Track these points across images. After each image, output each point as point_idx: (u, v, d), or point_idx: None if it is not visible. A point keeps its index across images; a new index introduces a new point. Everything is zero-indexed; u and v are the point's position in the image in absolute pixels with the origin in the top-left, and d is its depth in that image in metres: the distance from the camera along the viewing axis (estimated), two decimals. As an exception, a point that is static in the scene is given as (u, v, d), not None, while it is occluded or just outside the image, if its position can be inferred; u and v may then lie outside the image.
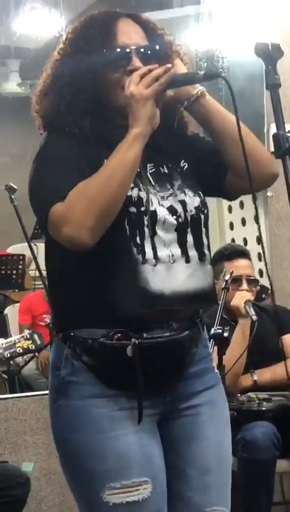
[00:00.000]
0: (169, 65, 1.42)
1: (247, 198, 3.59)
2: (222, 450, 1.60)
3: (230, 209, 3.53)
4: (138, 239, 1.46)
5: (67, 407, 1.51)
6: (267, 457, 2.52)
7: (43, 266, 2.41)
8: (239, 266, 2.80)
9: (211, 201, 1.76)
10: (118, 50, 1.47)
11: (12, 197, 2.83)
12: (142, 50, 1.48)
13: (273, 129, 1.33)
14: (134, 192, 1.47)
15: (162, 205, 1.50)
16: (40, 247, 2.80)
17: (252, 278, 2.83)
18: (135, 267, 1.46)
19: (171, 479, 1.56)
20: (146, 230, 1.47)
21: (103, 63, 1.47)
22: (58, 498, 3.04)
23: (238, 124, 1.39)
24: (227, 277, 2.68)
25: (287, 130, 1.31)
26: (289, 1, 3.32)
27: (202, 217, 1.55)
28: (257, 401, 2.62)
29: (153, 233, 1.48)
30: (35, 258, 3.02)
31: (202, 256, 1.54)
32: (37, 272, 3.08)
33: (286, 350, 2.73)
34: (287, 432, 2.56)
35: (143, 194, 1.48)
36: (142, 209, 1.46)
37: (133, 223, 1.46)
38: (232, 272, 2.70)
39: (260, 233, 2.56)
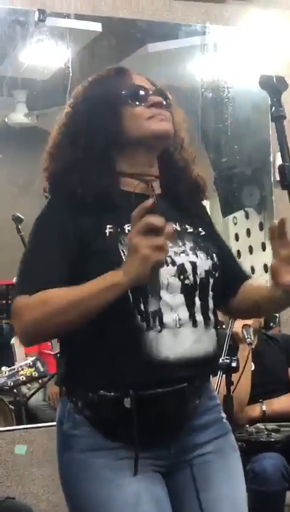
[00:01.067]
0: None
1: (254, 226, 3.49)
2: (236, 499, 1.56)
3: (237, 237, 3.53)
4: (141, 306, 1.44)
5: (72, 460, 1.51)
6: (276, 489, 2.46)
7: None
8: None
9: (218, 228, 1.77)
10: (137, 86, 1.49)
11: (19, 227, 2.80)
12: (159, 91, 1.50)
13: (278, 158, 1.39)
14: None
15: (172, 263, 1.48)
16: None
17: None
18: (138, 335, 1.44)
19: None
20: (149, 295, 1.45)
21: (123, 98, 1.49)
22: None
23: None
24: None
25: None
26: None
27: (211, 280, 1.53)
28: (266, 432, 2.57)
29: (159, 299, 1.46)
30: None
31: (207, 321, 1.51)
32: None
33: None
34: None
35: None
36: None
37: (136, 290, 1.43)
38: None
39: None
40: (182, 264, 1.47)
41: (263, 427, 2.58)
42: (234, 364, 2.38)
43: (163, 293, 1.45)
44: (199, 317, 1.48)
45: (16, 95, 3.20)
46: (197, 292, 1.49)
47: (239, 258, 3.37)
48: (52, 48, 3.05)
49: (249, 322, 2.70)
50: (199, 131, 3.19)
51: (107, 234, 1.46)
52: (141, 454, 1.46)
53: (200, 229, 1.56)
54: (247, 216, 3.51)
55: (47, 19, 2.93)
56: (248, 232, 3.46)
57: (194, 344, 1.47)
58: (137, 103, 1.48)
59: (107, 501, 1.47)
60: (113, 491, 1.47)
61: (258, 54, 3.28)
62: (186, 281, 1.47)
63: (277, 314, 3.23)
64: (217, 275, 1.52)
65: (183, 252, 1.50)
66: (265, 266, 3.08)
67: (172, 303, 1.45)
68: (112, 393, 1.45)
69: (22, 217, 2.82)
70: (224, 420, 1.60)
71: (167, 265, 1.45)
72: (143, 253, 1.31)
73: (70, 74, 3.03)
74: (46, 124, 3.06)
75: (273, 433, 2.57)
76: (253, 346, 2.76)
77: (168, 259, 1.45)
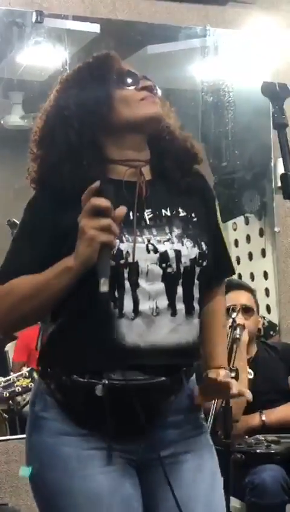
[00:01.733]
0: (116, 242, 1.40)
1: (254, 232, 3.46)
2: (211, 502, 1.55)
3: (237, 243, 3.52)
4: (116, 293, 1.44)
5: (39, 443, 1.50)
6: (276, 502, 2.43)
7: None
8: (234, 297, 2.77)
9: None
10: (127, 70, 1.48)
11: (14, 231, 2.77)
12: (145, 77, 1.49)
13: (280, 163, 1.44)
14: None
15: (153, 250, 1.47)
16: None
17: (247, 306, 2.80)
18: (110, 322, 1.44)
19: None
20: (126, 283, 1.44)
21: (113, 81, 1.47)
22: None
23: None
24: (233, 315, 2.66)
25: None
26: None
27: (197, 269, 1.51)
28: (266, 444, 2.54)
29: (136, 286, 1.45)
30: None
31: (190, 310, 1.50)
32: None
33: None
34: None
35: (124, 246, 1.44)
36: (122, 261, 1.44)
37: (111, 277, 1.39)
38: (231, 307, 2.68)
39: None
40: (165, 252, 1.46)
41: (263, 438, 2.56)
42: (232, 374, 2.27)
43: (141, 281, 1.44)
44: (180, 306, 1.47)
45: (12, 96, 3.19)
46: (181, 281, 1.47)
47: (238, 264, 3.48)
48: (50, 49, 3.04)
49: (241, 322, 2.70)
50: (199, 135, 3.16)
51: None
52: (112, 445, 1.46)
53: (193, 214, 1.54)
54: (247, 222, 3.51)
55: (44, 20, 2.93)
56: (248, 238, 3.46)
57: (171, 333, 1.46)
58: (128, 86, 1.47)
59: (71, 491, 1.46)
60: (79, 482, 1.45)
61: (260, 58, 3.28)
62: (169, 269, 1.46)
63: (277, 323, 3.30)
64: (204, 263, 1.50)
65: (168, 240, 1.49)
66: (265, 273, 3.10)
67: (150, 291, 1.45)
68: (85, 380, 1.44)
69: (18, 222, 2.81)
70: (201, 419, 1.60)
71: (149, 253, 1.44)
72: (89, 234, 1.32)
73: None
74: (42, 126, 3.18)
75: (273, 445, 2.54)
76: (251, 355, 2.74)
77: (150, 247, 1.45)
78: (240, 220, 3.50)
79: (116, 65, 1.51)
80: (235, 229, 3.54)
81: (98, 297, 1.35)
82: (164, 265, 1.45)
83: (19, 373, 2.44)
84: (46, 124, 1.50)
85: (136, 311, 1.43)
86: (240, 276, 3.35)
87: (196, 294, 1.50)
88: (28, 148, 1.56)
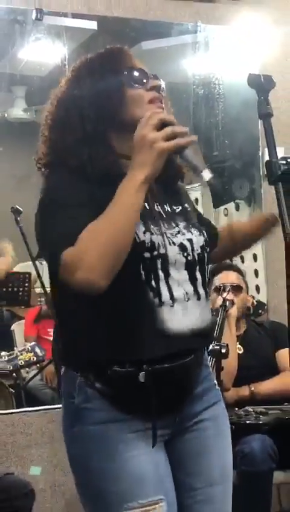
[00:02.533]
0: (193, 137, 1.40)
1: (244, 217, 3.48)
2: (225, 463, 1.63)
3: None
4: (153, 282, 1.46)
5: (83, 433, 1.52)
6: (264, 469, 2.54)
7: (47, 284, 2.64)
8: (224, 277, 2.85)
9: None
10: (139, 69, 1.49)
11: (18, 219, 2.85)
12: (155, 76, 1.51)
13: (267, 152, 1.37)
14: (147, 237, 1.47)
15: (173, 243, 1.50)
16: (45, 266, 2.64)
17: (235, 284, 2.87)
18: (151, 310, 1.46)
19: (179, 492, 1.58)
20: (160, 273, 1.47)
21: (125, 79, 1.49)
22: (62, 510, 3.04)
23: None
24: (224, 295, 2.74)
25: (279, 157, 1.34)
26: (282, 32, 3.39)
27: (206, 255, 1.57)
28: (254, 415, 2.64)
29: (167, 275, 1.48)
30: (40, 276, 3.00)
31: (206, 294, 1.56)
32: (42, 289, 3.10)
33: (280, 364, 2.79)
34: (283, 444, 2.60)
35: (155, 238, 1.48)
36: (155, 253, 1.46)
37: (148, 268, 1.46)
38: (222, 287, 2.77)
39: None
40: (181, 243, 1.50)
41: (252, 409, 2.66)
42: (223, 350, 2.46)
43: (171, 270, 1.47)
44: (201, 291, 1.52)
45: (15, 90, 3.20)
46: (197, 267, 1.52)
47: None
48: (50, 45, 3.07)
49: (231, 298, 2.79)
50: (191, 126, 3.16)
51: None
52: (150, 426, 1.48)
53: (186, 205, 1.59)
54: (237, 208, 3.50)
55: (44, 17, 2.94)
56: None
57: (199, 316, 1.51)
58: (138, 85, 1.48)
59: (120, 471, 1.49)
60: (123, 464, 1.49)
61: (248, 52, 3.30)
62: (189, 257, 1.50)
63: (265, 302, 3.33)
64: (209, 249, 1.56)
65: (178, 232, 1.53)
66: (254, 255, 3.15)
67: (179, 278, 1.48)
68: (127, 369, 1.45)
69: (21, 209, 2.85)
70: (217, 387, 1.64)
71: (170, 244, 1.47)
72: (161, 146, 1.35)
73: (67, 71, 3.15)
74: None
75: (261, 416, 2.64)
76: (241, 332, 2.86)
77: (168, 241, 1.48)
78: (231, 206, 3.50)
79: (128, 61, 1.52)
80: (226, 215, 3.50)
81: (137, 289, 1.43)
82: (185, 254, 1.49)
83: (22, 348, 2.48)
84: (58, 109, 1.51)
85: (172, 298, 1.46)
86: (231, 259, 3.17)
87: (207, 278, 1.56)
88: (33, 143, 1.57)
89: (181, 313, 1.48)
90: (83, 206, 1.43)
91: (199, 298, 1.52)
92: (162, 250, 1.46)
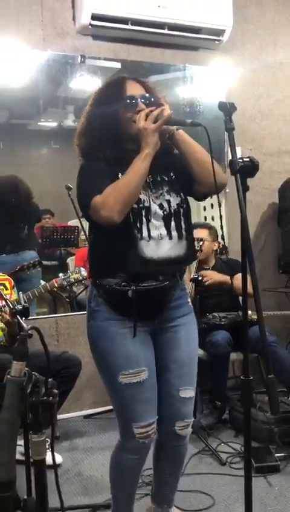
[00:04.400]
0: (164, 107, 1.58)
1: (214, 199, 3.02)
2: (192, 354, 1.79)
3: (205, 208, 3.82)
4: (137, 224, 1.61)
5: (95, 326, 1.71)
6: (224, 351, 3.07)
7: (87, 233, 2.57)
8: (198, 233, 3.15)
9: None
10: (129, 98, 1.65)
11: (70, 192, 3.12)
12: (144, 97, 1.67)
13: (229, 152, 1.41)
14: None
15: (155, 202, 1.65)
16: (86, 222, 2.68)
17: (206, 238, 3.19)
18: (135, 242, 1.61)
19: (160, 371, 1.76)
20: (143, 219, 1.63)
21: (120, 107, 1.65)
22: (96, 373, 2.77)
23: (211, 153, 1.56)
24: (200, 245, 3.10)
25: (238, 156, 1.41)
26: (241, 71, 3.84)
27: (181, 210, 1.69)
28: (219, 318, 3.19)
29: (148, 221, 1.63)
30: (83, 228, 3.44)
31: (180, 236, 1.68)
32: (84, 236, 3.51)
33: (236, 283, 3.12)
34: (236, 337, 3.07)
35: (142, 196, 1.63)
36: (141, 205, 1.62)
37: (135, 215, 1.61)
38: (196, 239, 2.96)
39: (220, 213, 2.62)
40: (161, 203, 1.67)
41: (217, 315, 3.19)
42: (199, 278, 2.99)
43: (152, 218, 1.65)
44: (174, 234, 1.66)
45: (67, 108, 3.57)
46: (173, 218, 1.67)
47: (204, 211, 3.67)
48: (89, 78, 3.50)
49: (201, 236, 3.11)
50: None
51: (119, 178, 1.62)
52: (137, 324, 1.65)
53: (171, 174, 1.71)
54: None
55: (86, 60, 3.41)
56: (211, 205, 3.74)
57: (170, 250, 1.66)
58: (128, 110, 1.65)
59: (115, 352, 1.67)
60: (119, 347, 1.67)
61: (219, 84, 3.78)
62: (165, 212, 1.67)
63: (227, 246, 3.69)
64: (184, 206, 1.71)
65: (161, 194, 1.68)
66: (221, 216, 2.78)
67: (156, 224, 1.65)
68: (121, 287, 1.63)
69: (71, 186, 3.09)
70: (189, 304, 1.81)
71: (153, 202, 1.64)
72: (151, 128, 1.54)
73: None
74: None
75: (223, 319, 3.18)
76: (210, 266, 3.33)
77: (152, 199, 1.63)
78: None
79: (122, 91, 1.66)
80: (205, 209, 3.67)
81: (127, 227, 1.57)
82: (162, 210, 1.67)
83: (72, 270, 2.91)
84: (87, 122, 1.70)
85: (149, 236, 1.62)
86: (205, 218, 3.72)
87: (183, 225, 1.70)
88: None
89: (154, 246, 1.62)
90: (103, 176, 1.60)
91: (170, 238, 1.65)
92: (146, 204, 1.62)
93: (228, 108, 1.41)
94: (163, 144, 1.63)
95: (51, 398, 1.26)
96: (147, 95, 1.65)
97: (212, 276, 3.21)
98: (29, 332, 1.28)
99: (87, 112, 1.71)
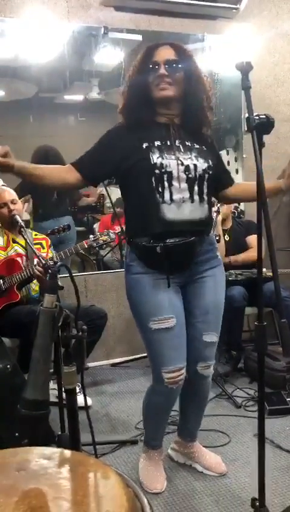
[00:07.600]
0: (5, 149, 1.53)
1: (232, 159, 3.82)
2: (218, 302, 1.83)
3: (228, 163, 3.79)
4: (159, 188, 1.63)
5: (130, 278, 1.77)
6: (240, 305, 3.10)
7: (113, 201, 3.24)
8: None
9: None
10: (152, 63, 1.69)
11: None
12: (167, 62, 1.68)
13: (247, 113, 1.39)
14: (158, 161, 1.63)
15: (181, 164, 1.63)
16: (112, 190, 3.40)
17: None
18: (157, 205, 1.64)
19: (187, 316, 1.79)
20: (165, 183, 1.64)
21: (146, 73, 1.70)
22: (123, 325, 3.51)
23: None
24: (218, 207, 3.05)
25: (255, 115, 1.39)
26: (258, 39, 3.76)
27: (206, 176, 1.69)
28: (234, 275, 3.20)
29: (170, 185, 1.64)
30: (109, 196, 3.54)
31: (201, 200, 1.69)
32: (109, 203, 3.58)
33: (249, 243, 3.30)
34: (251, 292, 3.11)
35: (165, 161, 1.63)
36: (163, 171, 1.64)
37: (157, 180, 1.63)
38: (220, 205, 2.98)
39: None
40: (188, 165, 1.66)
41: (233, 272, 3.21)
42: (217, 238, 2.88)
43: (174, 182, 1.64)
44: (196, 198, 1.67)
45: (92, 81, 3.53)
46: (197, 182, 1.67)
47: None
48: (112, 51, 3.46)
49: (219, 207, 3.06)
50: None
51: (144, 147, 1.66)
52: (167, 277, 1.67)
53: (203, 147, 1.75)
54: (227, 153, 3.84)
55: (109, 33, 3.37)
56: (228, 163, 3.76)
57: (191, 212, 1.67)
58: (154, 75, 1.68)
59: (147, 300, 1.72)
60: (150, 296, 1.72)
61: (236, 52, 3.68)
62: (190, 175, 1.66)
63: (243, 209, 3.81)
64: (210, 172, 1.72)
65: (189, 158, 1.68)
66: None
67: (179, 187, 1.64)
68: (151, 244, 1.67)
69: None
70: (219, 257, 1.83)
71: (178, 165, 1.63)
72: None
73: (123, 67, 3.40)
74: (110, 99, 3.49)
75: (239, 276, 3.21)
76: (228, 227, 3.34)
77: (179, 162, 1.62)
78: (223, 152, 3.78)
79: (155, 54, 1.68)
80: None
81: (150, 191, 1.59)
82: (187, 173, 1.66)
83: (100, 233, 2.87)
84: (127, 88, 1.75)
85: (171, 199, 1.64)
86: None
87: (205, 190, 1.70)
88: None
89: (176, 209, 1.63)
90: (96, 153, 1.65)
91: (192, 201, 1.66)
92: (169, 169, 1.62)
93: (244, 67, 1.40)
94: (200, 117, 1.69)
95: (80, 333, 1.28)
96: (171, 58, 1.66)
97: (237, 259, 3.26)
98: (59, 272, 1.31)
99: (127, 79, 1.77)
